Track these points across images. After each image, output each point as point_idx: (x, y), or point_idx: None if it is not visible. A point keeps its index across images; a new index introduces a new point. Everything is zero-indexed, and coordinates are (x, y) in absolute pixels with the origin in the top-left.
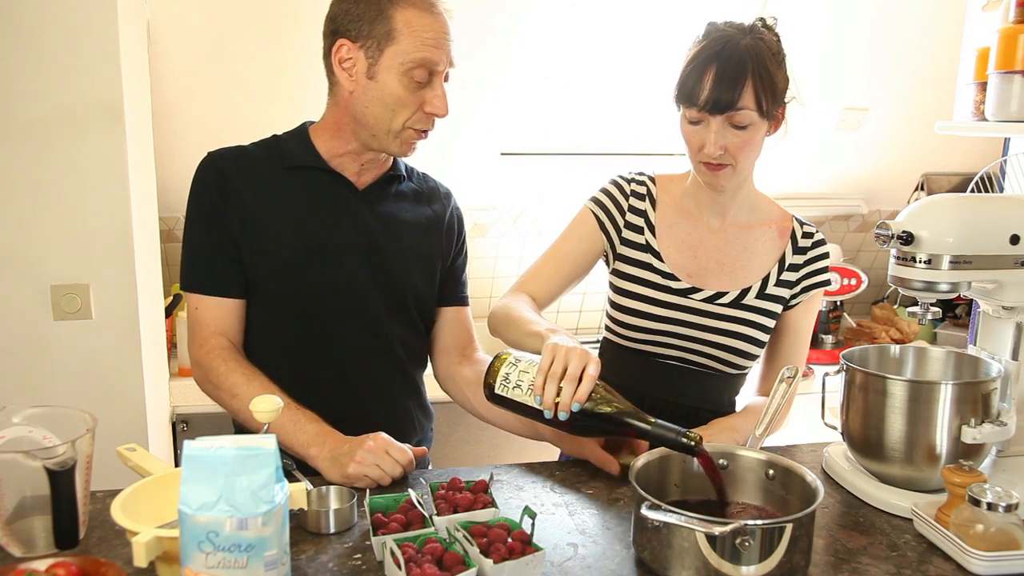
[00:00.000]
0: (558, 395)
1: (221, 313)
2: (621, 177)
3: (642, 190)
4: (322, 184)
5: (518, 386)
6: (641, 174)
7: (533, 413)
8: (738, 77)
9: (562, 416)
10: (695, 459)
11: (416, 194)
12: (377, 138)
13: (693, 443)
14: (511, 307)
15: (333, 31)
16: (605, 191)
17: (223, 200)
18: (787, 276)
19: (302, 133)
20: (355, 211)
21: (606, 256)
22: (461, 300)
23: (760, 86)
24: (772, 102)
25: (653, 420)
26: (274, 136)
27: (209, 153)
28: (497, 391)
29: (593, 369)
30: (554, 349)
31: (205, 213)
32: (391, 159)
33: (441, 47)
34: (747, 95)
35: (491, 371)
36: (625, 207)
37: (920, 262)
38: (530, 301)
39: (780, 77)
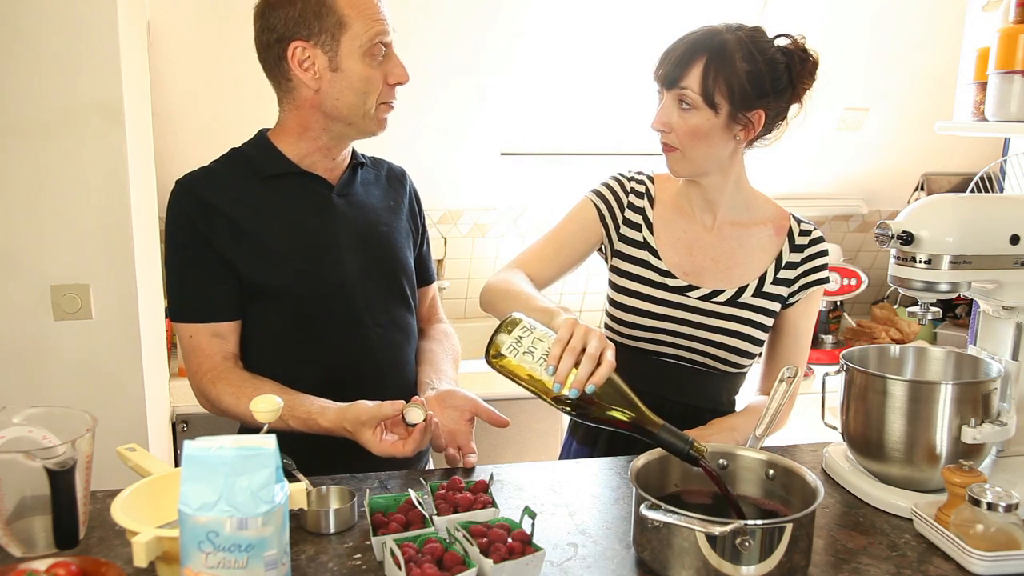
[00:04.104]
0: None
1: (218, 338)
2: (621, 175)
3: (641, 188)
4: (299, 187)
5: (530, 352)
6: (640, 172)
7: (536, 385)
8: (690, 57)
9: (573, 394)
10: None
11: (377, 178)
12: (354, 125)
13: (700, 456)
14: (512, 281)
15: (278, 39)
16: (606, 185)
17: (208, 225)
18: (784, 274)
19: (264, 142)
20: (336, 206)
21: (603, 250)
22: (430, 278)
23: (710, 72)
24: (727, 95)
25: (661, 423)
26: (233, 149)
27: (178, 182)
28: (504, 352)
29: (611, 355)
30: (574, 325)
31: (191, 242)
32: (351, 149)
33: (383, 17)
34: (692, 76)
35: (499, 332)
36: (624, 203)
37: (920, 262)
38: (528, 279)
39: (750, 76)
